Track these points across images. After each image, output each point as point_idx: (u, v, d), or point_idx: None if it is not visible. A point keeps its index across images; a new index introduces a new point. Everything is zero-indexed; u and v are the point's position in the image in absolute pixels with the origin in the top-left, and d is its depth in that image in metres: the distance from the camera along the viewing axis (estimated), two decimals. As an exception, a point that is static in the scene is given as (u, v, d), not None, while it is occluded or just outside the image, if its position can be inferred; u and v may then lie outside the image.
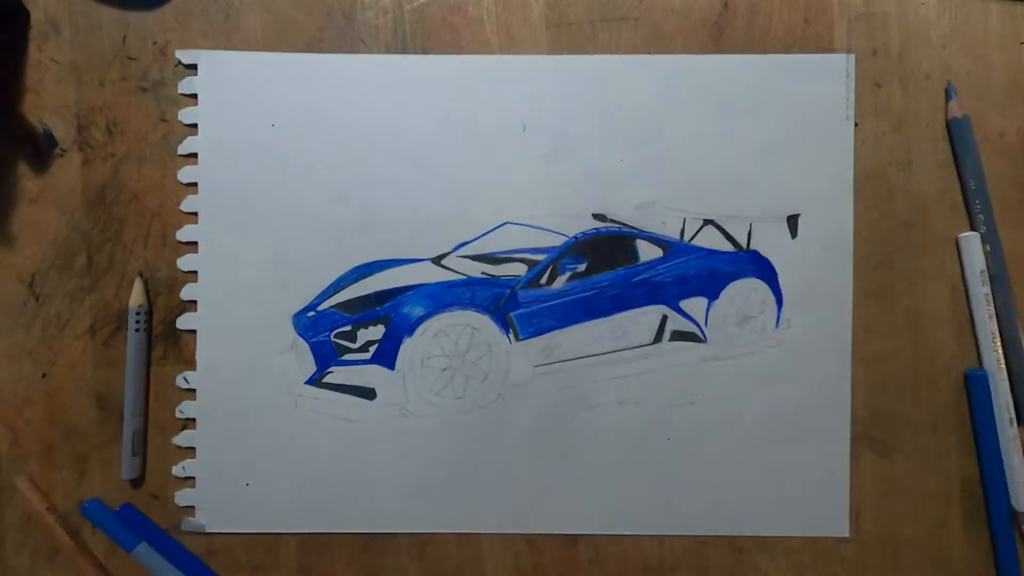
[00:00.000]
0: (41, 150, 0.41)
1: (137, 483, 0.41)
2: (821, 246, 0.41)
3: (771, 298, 0.41)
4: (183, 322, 0.41)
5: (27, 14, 0.41)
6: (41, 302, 0.41)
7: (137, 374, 0.40)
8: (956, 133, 0.40)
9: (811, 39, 0.41)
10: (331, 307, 0.41)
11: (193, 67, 0.41)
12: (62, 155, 0.41)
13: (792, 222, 0.41)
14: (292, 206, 0.41)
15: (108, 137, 0.41)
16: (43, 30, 0.41)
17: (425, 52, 0.41)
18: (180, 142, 0.41)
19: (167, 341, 0.41)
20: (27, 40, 0.41)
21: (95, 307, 0.41)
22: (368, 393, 0.41)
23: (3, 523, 0.41)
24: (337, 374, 0.41)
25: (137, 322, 0.40)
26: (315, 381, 0.41)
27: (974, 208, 0.40)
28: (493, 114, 0.41)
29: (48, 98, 0.41)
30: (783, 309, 0.41)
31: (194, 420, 0.41)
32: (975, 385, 0.40)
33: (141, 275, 0.41)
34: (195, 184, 0.41)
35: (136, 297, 0.40)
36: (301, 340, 0.41)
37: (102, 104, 0.41)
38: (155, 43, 0.41)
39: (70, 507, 0.41)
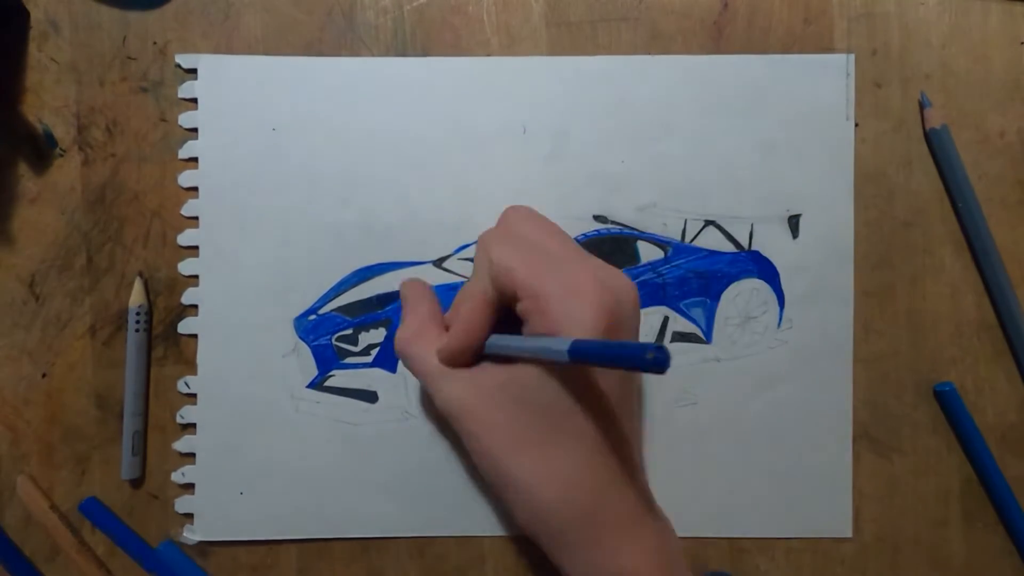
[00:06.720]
0: (41, 150, 0.41)
1: (137, 483, 0.41)
2: (822, 246, 0.41)
3: (773, 298, 0.41)
4: (184, 327, 0.41)
5: (27, 14, 0.40)
6: (41, 302, 0.41)
7: (137, 374, 0.40)
8: (937, 145, 0.40)
9: (811, 39, 0.41)
10: (333, 310, 0.41)
11: (193, 71, 0.41)
12: (62, 155, 0.41)
13: (793, 222, 0.41)
14: (293, 210, 0.41)
15: (108, 137, 0.41)
16: (43, 30, 0.41)
17: (425, 52, 0.41)
18: (180, 145, 0.41)
19: (167, 341, 0.41)
20: (27, 40, 0.41)
21: (95, 307, 0.41)
22: (370, 396, 0.41)
23: (3, 523, 0.41)
24: (339, 377, 0.41)
25: (137, 322, 0.40)
26: (317, 385, 0.41)
27: (965, 219, 0.40)
28: (493, 116, 0.41)
29: (48, 98, 0.41)
30: (785, 309, 0.41)
31: (194, 425, 0.41)
32: (946, 400, 0.40)
33: (141, 275, 0.41)
34: (196, 188, 0.41)
35: (136, 297, 0.40)
36: (303, 344, 0.41)
37: (102, 104, 0.41)
38: (155, 43, 0.41)
39: (70, 507, 0.41)
